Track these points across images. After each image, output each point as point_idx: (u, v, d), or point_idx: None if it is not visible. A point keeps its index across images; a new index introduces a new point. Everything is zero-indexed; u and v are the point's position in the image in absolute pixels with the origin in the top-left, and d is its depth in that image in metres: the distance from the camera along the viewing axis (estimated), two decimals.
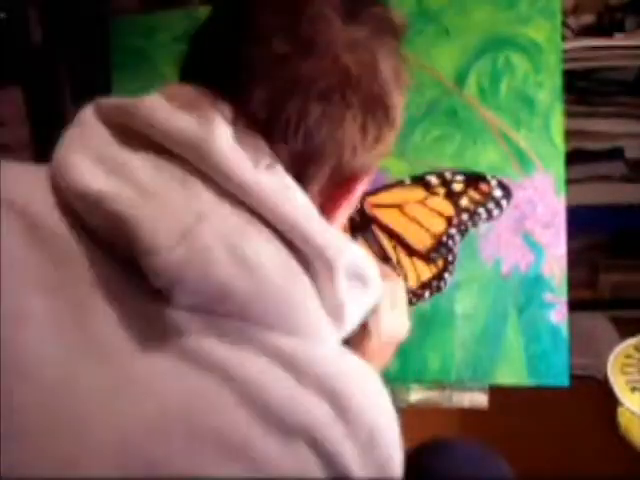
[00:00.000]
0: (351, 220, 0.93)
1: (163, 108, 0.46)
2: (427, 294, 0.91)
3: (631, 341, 0.99)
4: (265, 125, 0.46)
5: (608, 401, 0.96)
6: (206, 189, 0.44)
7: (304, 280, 0.45)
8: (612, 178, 1.11)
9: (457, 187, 0.90)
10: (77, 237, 0.44)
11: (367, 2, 0.52)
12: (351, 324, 0.49)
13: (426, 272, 0.91)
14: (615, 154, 1.11)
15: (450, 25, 0.90)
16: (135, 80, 1.01)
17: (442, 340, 0.91)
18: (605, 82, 1.07)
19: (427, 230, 0.90)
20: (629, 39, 1.02)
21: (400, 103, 0.53)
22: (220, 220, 0.43)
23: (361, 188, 0.54)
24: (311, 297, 0.45)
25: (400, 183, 0.92)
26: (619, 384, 0.97)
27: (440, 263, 0.90)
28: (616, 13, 1.06)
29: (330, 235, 0.45)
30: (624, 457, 0.93)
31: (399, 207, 0.91)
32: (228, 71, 0.48)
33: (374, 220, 0.92)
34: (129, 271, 0.43)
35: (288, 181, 0.46)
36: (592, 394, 0.97)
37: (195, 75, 0.50)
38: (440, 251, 0.90)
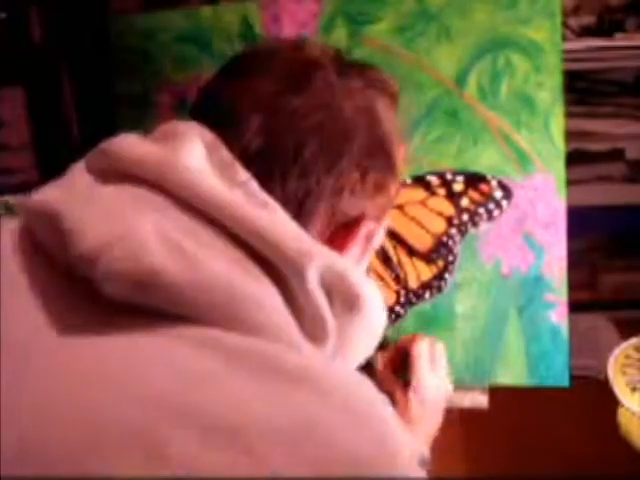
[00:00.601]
0: None
1: (135, 142, 0.46)
2: (427, 294, 0.91)
3: (631, 341, 0.99)
4: (261, 158, 0.46)
5: (608, 401, 0.96)
6: (164, 203, 0.43)
7: (264, 283, 0.42)
8: (613, 179, 1.11)
9: (457, 187, 0.90)
10: (26, 255, 0.44)
11: (363, 65, 0.54)
12: (348, 347, 0.46)
13: (426, 272, 0.91)
14: (615, 155, 1.11)
15: (450, 25, 0.90)
16: (135, 80, 1.01)
17: (442, 340, 0.91)
18: (605, 83, 1.07)
19: (427, 230, 0.90)
20: (629, 40, 1.02)
21: (401, 158, 0.53)
22: (164, 220, 0.42)
23: (369, 233, 0.53)
24: (271, 298, 0.42)
25: (400, 183, 0.92)
26: (619, 384, 0.97)
27: (440, 263, 0.91)
28: (616, 14, 1.06)
29: (301, 241, 0.43)
30: (624, 457, 0.93)
31: (399, 207, 0.91)
32: (223, 105, 0.49)
33: None
34: (67, 279, 0.42)
35: (263, 197, 0.45)
36: (592, 395, 0.97)
37: (196, 115, 0.50)
38: (440, 251, 0.90)
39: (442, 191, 0.90)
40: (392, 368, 0.76)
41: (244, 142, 0.46)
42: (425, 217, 0.90)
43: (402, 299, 0.92)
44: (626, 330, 1.02)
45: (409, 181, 0.91)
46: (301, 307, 0.43)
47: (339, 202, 0.48)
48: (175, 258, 0.39)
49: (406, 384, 0.70)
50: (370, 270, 0.93)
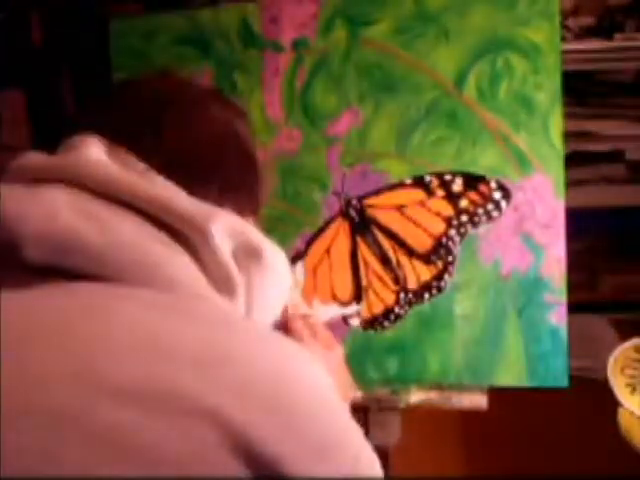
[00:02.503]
0: (351, 221, 0.93)
1: (41, 155, 0.49)
2: (427, 295, 0.91)
3: (631, 343, 0.99)
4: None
5: (608, 402, 0.96)
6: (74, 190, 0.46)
7: (170, 244, 0.45)
8: (612, 180, 1.11)
9: (457, 188, 0.90)
10: None
11: (218, 92, 0.60)
12: (258, 300, 0.49)
13: (426, 273, 0.91)
14: (615, 156, 1.11)
15: (449, 27, 0.90)
16: None
17: (442, 341, 0.91)
18: (605, 84, 1.07)
19: (427, 231, 0.91)
20: (629, 40, 1.02)
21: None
22: (76, 197, 0.45)
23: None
24: (178, 256, 0.45)
25: (400, 184, 0.92)
26: (619, 385, 0.97)
27: (440, 264, 0.91)
28: (616, 15, 1.06)
29: (199, 207, 0.47)
30: (624, 458, 0.93)
31: (399, 208, 0.92)
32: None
33: (374, 221, 0.92)
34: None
35: (162, 180, 0.48)
36: (592, 396, 0.97)
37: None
38: (439, 252, 0.90)
39: (441, 192, 0.90)
40: None
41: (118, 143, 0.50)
42: (424, 218, 0.91)
43: (402, 300, 0.92)
44: (625, 331, 1.02)
45: (409, 182, 0.91)
46: (207, 264, 0.46)
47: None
48: (88, 222, 0.43)
49: None
50: (370, 271, 0.93)
